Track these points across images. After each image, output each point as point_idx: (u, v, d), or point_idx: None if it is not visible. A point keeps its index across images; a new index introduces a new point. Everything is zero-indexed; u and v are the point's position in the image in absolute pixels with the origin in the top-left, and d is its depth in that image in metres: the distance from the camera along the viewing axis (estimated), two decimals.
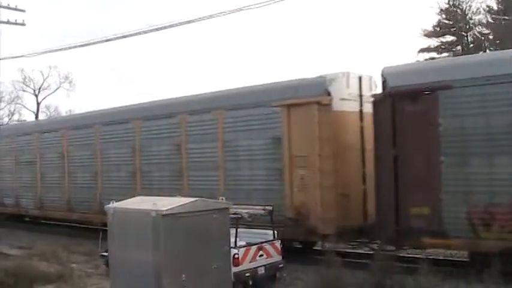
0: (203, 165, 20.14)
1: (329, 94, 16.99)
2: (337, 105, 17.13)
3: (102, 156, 24.78)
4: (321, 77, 17.60)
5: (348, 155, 17.31)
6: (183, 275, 9.96)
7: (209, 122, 19.88)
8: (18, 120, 75.56)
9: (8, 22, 20.56)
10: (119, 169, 23.91)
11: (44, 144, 28.65)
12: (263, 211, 14.37)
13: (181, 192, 18.09)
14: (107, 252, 12.23)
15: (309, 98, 17.07)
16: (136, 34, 19.94)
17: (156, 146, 22.22)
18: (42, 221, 30.24)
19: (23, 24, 20.82)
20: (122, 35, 20.28)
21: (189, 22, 18.54)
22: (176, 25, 18.92)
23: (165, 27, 19.20)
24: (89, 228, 25.31)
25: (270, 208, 14.42)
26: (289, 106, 17.44)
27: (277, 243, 14.19)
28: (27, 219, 31.67)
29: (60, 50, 22.34)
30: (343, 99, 17.31)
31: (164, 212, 9.92)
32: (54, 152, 27.76)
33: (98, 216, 21.98)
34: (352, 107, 17.69)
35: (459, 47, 46.91)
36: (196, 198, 11.16)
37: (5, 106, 79.06)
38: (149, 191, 19.93)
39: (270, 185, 18.03)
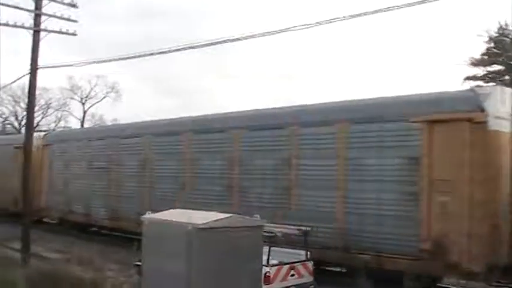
0: (317, 184, 18.12)
1: (483, 110, 14.84)
2: (492, 124, 14.92)
3: (192, 167, 22.86)
4: (471, 90, 16.53)
5: (500, 181, 15.18)
6: None
7: (327, 136, 18.01)
8: (64, 127, 76.94)
9: (60, 32, 21.05)
10: (212, 182, 21.79)
11: (123, 150, 27.13)
12: (297, 231, 14.38)
13: (286, 212, 18.32)
14: (140, 261, 12.40)
15: (458, 114, 15.13)
16: (176, 50, 20.20)
17: (258, 159, 20.25)
18: (115, 233, 28.66)
19: (74, 34, 21.28)
20: (165, 50, 20.49)
21: (234, 40, 18.67)
22: (219, 43, 19.05)
23: (206, 45, 19.38)
24: (124, 237, 25.56)
25: (305, 229, 14.41)
26: (432, 122, 15.48)
27: (310, 264, 14.16)
28: (94, 229, 30.10)
29: (108, 61, 22.74)
30: (497, 117, 15.05)
31: (199, 226, 10.06)
32: (134, 160, 26.21)
33: None
34: (505, 126, 15.37)
35: (507, 77, 46.22)
36: (231, 215, 11.29)
37: (53, 112, 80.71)
38: (247, 209, 17.75)
39: (401, 210, 15.98)
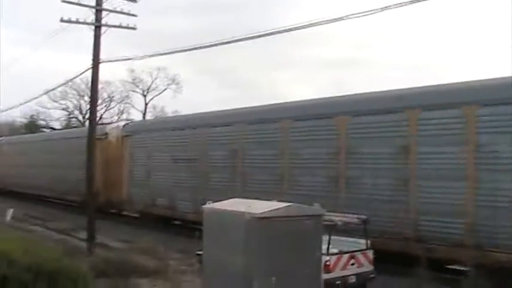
0: (441, 174, 16.44)
1: None
2: None
3: (291, 157, 21.23)
4: None
5: None
6: (274, 278, 10.12)
7: (454, 120, 16.29)
8: (127, 119, 78.36)
9: (120, 26, 21.43)
10: (313, 173, 20.20)
11: (211, 140, 25.58)
12: (357, 220, 14.30)
13: (405, 206, 17.13)
14: (201, 250, 12.57)
15: None
16: (234, 41, 20.20)
17: (370, 147, 18.47)
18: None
19: (134, 28, 21.63)
20: (224, 41, 20.54)
21: (287, 31, 18.58)
22: (278, 32, 18.99)
23: (268, 34, 19.30)
24: (188, 227, 25.89)
25: (364, 217, 14.32)
26: None
27: (370, 253, 14.07)
28: (177, 222, 28.76)
29: (167, 53, 22.99)
30: None
31: (258, 215, 10.12)
32: (224, 150, 24.48)
33: None
34: None
35: None
36: (290, 203, 11.30)
37: (115, 105, 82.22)
38: (358, 202, 17.56)
39: None
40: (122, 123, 35.88)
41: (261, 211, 10.27)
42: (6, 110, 64.31)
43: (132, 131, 32.58)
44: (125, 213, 33.44)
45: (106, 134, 34.23)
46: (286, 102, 23.92)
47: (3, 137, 63.02)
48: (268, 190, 20.80)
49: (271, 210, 10.51)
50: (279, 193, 19.58)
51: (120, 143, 32.71)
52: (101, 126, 34.26)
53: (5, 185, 52.47)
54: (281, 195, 18.63)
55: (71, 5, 20.68)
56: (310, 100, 22.61)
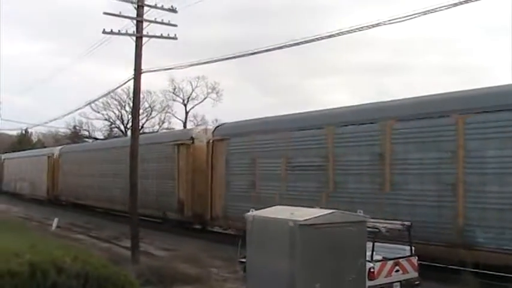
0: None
1: None
2: None
3: (395, 162, 19.01)
4: None
5: None
6: (318, 285, 10.12)
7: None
8: (167, 129, 79.09)
9: (161, 36, 21.69)
10: (425, 180, 17.94)
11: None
12: (401, 226, 14.19)
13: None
14: (245, 258, 12.61)
15: None
16: (278, 48, 20.25)
17: (497, 149, 16.27)
18: None
19: (174, 38, 21.85)
20: (265, 48, 20.64)
21: (329, 37, 18.57)
22: (317, 39, 18.99)
23: (307, 42, 19.31)
24: (229, 235, 25.99)
25: (409, 223, 14.21)
26: None
27: (414, 259, 13.94)
28: None
29: (207, 62, 23.19)
30: None
31: (301, 222, 10.15)
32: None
33: None
34: None
35: None
36: (334, 210, 11.30)
37: (156, 115, 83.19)
38: (483, 213, 16.05)
39: None
40: (210, 126, 33.38)
41: (305, 218, 10.30)
42: (50, 121, 65.72)
43: (228, 133, 27.63)
44: (216, 229, 30.19)
45: (192, 138, 30.21)
46: (391, 101, 21.34)
47: (63, 146, 62.18)
48: (364, 201, 18.96)
49: (315, 217, 10.53)
50: (382, 203, 18.83)
51: (211, 149, 28.12)
52: (185, 130, 33.57)
53: (69, 197, 48.39)
54: (384, 205, 18.66)
55: (113, 17, 20.95)
56: (418, 97, 19.96)
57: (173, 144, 31.32)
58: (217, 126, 29.78)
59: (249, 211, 11.02)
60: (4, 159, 75.03)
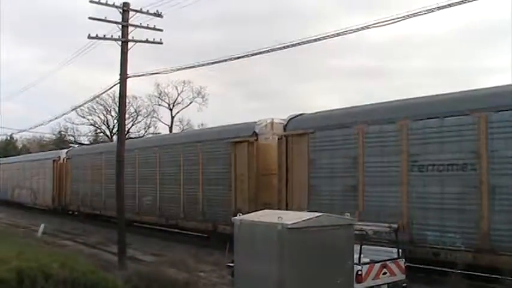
0: None
1: None
2: None
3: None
4: None
5: None
6: None
7: None
8: (153, 133, 78.91)
9: (146, 41, 21.68)
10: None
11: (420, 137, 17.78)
12: (388, 229, 14.25)
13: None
14: (233, 262, 12.61)
15: None
16: (264, 52, 20.30)
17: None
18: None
19: (160, 43, 21.84)
20: (251, 52, 20.66)
21: (315, 40, 18.64)
22: (303, 43, 19.06)
23: (293, 45, 19.39)
24: (219, 239, 25.93)
25: (395, 226, 14.27)
26: None
27: (401, 262, 14.00)
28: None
29: (193, 67, 23.17)
30: None
31: (289, 226, 10.16)
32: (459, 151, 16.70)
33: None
34: None
35: None
36: (321, 213, 11.34)
37: (142, 119, 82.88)
38: None
39: None
40: (277, 118, 25.40)
41: (293, 221, 10.32)
42: (35, 127, 65.22)
43: (311, 126, 21.86)
44: None
45: (255, 134, 24.76)
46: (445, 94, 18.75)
47: (70, 148, 58.72)
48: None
49: (303, 220, 10.55)
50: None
51: (285, 146, 22.80)
52: (245, 124, 25.92)
53: (82, 207, 42.12)
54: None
55: (99, 22, 20.91)
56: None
57: (228, 142, 25.76)
58: (292, 118, 23.37)
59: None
60: None
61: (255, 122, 25.18)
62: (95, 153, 41.75)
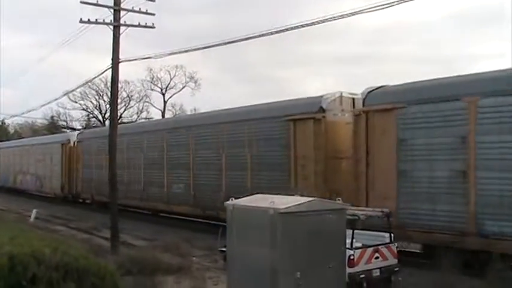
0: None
1: None
2: None
3: None
4: None
5: None
6: (298, 273, 10.16)
7: None
8: (146, 118, 78.77)
9: (138, 25, 21.55)
10: None
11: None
12: (380, 213, 14.29)
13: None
14: (225, 247, 12.64)
15: None
16: (257, 37, 20.21)
17: None
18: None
19: (152, 27, 21.72)
20: (244, 37, 20.57)
21: (308, 25, 18.58)
22: (296, 27, 18.98)
23: (285, 30, 19.32)
24: (211, 224, 25.97)
25: (387, 211, 14.32)
26: None
27: (394, 246, 14.06)
28: None
29: (186, 51, 23.07)
30: None
31: (282, 210, 10.15)
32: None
33: None
34: None
35: None
36: (314, 198, 11.35)
37: (135, 104, 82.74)
38: None
39: None
40: (345, 92, 21.97)
41: (285, 206, 10.31)
42: (28, 112, 64.83)
43: (401, 100, 18.52)
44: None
45: (321, 109, 21.14)
46: None
47: (81, 130, 56.08)
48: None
49: (295, 205, 10.54)
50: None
51: (365, 124, 19.44)
52: (309, 98, 22.43)
53: (97, 196, 37.57)
54: None
55: (92, 6, 20.79)
56: None
57: (285, 120, 22.34)
58: (371, 91, 19.89)
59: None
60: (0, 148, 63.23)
61: (321, 96, 21.50)
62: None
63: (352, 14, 17.36)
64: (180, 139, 29.26)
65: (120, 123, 34.24)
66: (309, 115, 21.34)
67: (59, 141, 45.71)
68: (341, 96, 21.53)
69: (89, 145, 40.19)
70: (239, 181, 24.41)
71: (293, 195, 12.78)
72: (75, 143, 42.66)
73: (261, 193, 13.14)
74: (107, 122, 63.59)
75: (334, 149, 20.96)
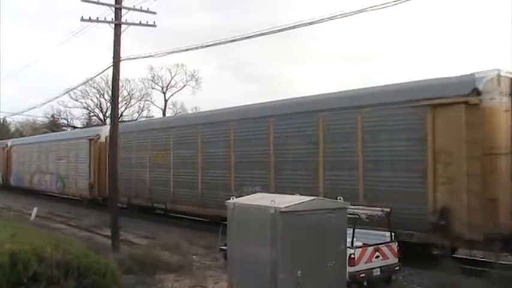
0: None
1: None
2: None
3: None
4: None
5: None
6: (299, 272, 10.18)
7: None
8: (147, 117, 78.82)
9: (140, 24, 21.54)
10: None
11: None
12: (381, 212, 14.29)
13: None
14: (226, 245, 12.64)
15: None
16: (259, 35, 20.19)
17: None
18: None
19: (153, 26, 21.70)
20: (243, 36, 20.56)
21: (311, 24, 18.54)
22: (299, 26, 18.95)
23: (288, 28, 19.29)
24: (209, 222, 25.94)
25: (388, 210, 14.32)
26: None
27: (394, 245, 14.07)
28: None
29: (187, 50, 23.07)
30: None
31: (282, 209, 10.17)
32: None
33: None
34: None
35: None
36: (314, 197, 11.37)
37: (135, 103, 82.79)
38: None
39: None
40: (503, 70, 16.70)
41: (286, 205, 10.33)
42: (29, 110, 64.84)
43: None
44: None
45: (475, 92, 16.26)
46: None
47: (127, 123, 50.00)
48: None
49: (296, 204, 10.56)
50: None
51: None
52: (451, 78, 17.47)
53: (136, 199, 32.75)
54: None
55: (94, 5, 20.77)
56: None
57: (419, 106, 17.45)
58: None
59: None
60: (11, 145, 57.44)
61: (473, 75, 16.57)
62: (159, 129, 31.74)
63: (360, 11, 17.27)
64: (253, 132, 24.18)
65: (120, 122, 32.41)
66: (457, 99, 16.50)
67: (87, 136, 40.07)
68: (499, 76, 16.47)
69: (126, 140, 32.71)
70: (345, 182, 19.34)
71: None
72: (107, 138, 33.34)
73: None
74: (108, 121, 63.62)
75: (490, 143, 16.21)
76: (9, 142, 58.87)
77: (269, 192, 17.87)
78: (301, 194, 11.52)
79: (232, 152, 24.84)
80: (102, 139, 36.70)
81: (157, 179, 30.32)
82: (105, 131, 35.95)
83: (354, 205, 13.41)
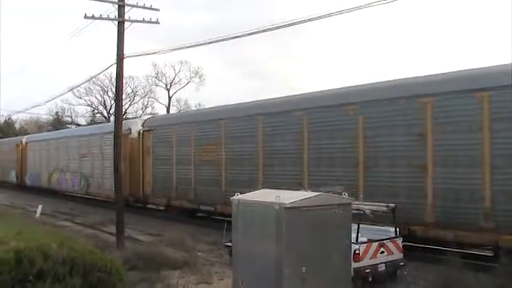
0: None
1: None
2: None
3: None
4: None
5: None
6: (304, 268, 10.18)
7: None
8: (150, 114, 78.95)
9: (143, 21, 21.52)
10: None
11: None
12: (386, 208, 14.28)
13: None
14: (231, 242, 12.63)
15: None
16: (261, 31, 20.15)
17: None
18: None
19: (157, 23, 21.70)
20: (248, 32, 20.50)
21: (310, 20, 18.49)
22: (298, 23, 18.90)
23: (288, 25, 19.25)
24: (215, 219, 25.92)
25: (393, 205, 14.31)
26: None
27: (399, 241, 14.06)
28: None
29: (190, 46, 23.00)
30: None
31: (287, 205, 10.17)
32: None
33: None
34: None
35: None
36: (319, 193, 11.35)
37: (139, 100, 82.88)
38: None
39: None
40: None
41: (291, 201, 10.32)
42: (33, 107, 64.91)
43: None
44: None
45: None
46: None
47: (147, 117, 46.25)
48: None
49: (301, 199, 10.56)
50: None
51: None
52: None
53: (177, 200, 28.83)
54: None
55: (97, 2, 20.76)
56: None
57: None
58: None
59: None
60: (26, 142, 53.67)
61: None
62: (206, 121, 27.35)
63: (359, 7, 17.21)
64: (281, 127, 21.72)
65: (124, 119, 31.20)
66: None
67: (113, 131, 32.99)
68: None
69: (163, 134, 30.09)
70: (416, 179, 16.80)
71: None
72: (141, 132, 32.22)
73: None
74: (112, 118, 63.67)
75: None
76: (24, 139, 55.51)
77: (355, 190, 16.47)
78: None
79: (305, 147, 20.65)
80: (134, 134, 32.83)
81: (206, 178, 26.37)
82: (136, 124, 33.50)
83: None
